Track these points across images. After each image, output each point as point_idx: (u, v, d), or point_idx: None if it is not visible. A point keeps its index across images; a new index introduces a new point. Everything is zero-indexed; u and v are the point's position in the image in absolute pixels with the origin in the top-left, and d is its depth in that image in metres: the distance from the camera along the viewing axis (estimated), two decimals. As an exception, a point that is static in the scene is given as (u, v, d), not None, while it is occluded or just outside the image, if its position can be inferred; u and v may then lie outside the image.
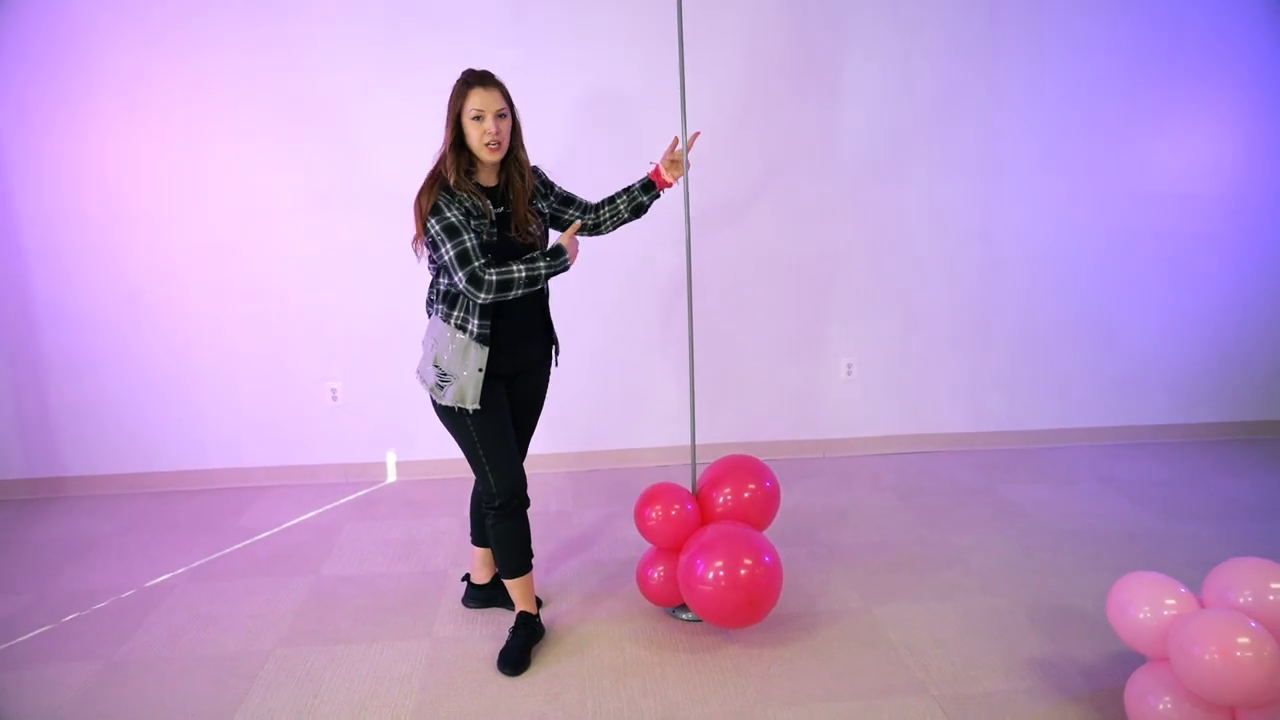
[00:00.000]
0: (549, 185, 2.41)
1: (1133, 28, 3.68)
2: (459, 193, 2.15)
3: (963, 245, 3.86)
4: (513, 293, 2.14)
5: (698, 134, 2.48)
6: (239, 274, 3.56)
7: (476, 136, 2.12)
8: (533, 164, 2.34)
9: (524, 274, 2.14)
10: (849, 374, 3.94)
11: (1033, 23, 3.64)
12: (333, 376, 3.70)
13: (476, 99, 2.10)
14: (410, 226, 2.22)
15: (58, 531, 3.30)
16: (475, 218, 2.15)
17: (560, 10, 3.45)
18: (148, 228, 3.48)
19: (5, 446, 3.59)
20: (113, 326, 3.54)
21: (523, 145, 2.25)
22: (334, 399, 3.71)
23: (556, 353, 2.47)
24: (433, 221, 2.12)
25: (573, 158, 3.47)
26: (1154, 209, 3.87)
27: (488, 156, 2.14)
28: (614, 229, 2.50)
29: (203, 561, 3.02)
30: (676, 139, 2.43)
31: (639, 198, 2.44)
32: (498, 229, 2.20)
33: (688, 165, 2.41)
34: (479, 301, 2.13)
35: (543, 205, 2.35)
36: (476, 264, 2.09)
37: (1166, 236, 3.91)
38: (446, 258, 2.11)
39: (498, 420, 2.27)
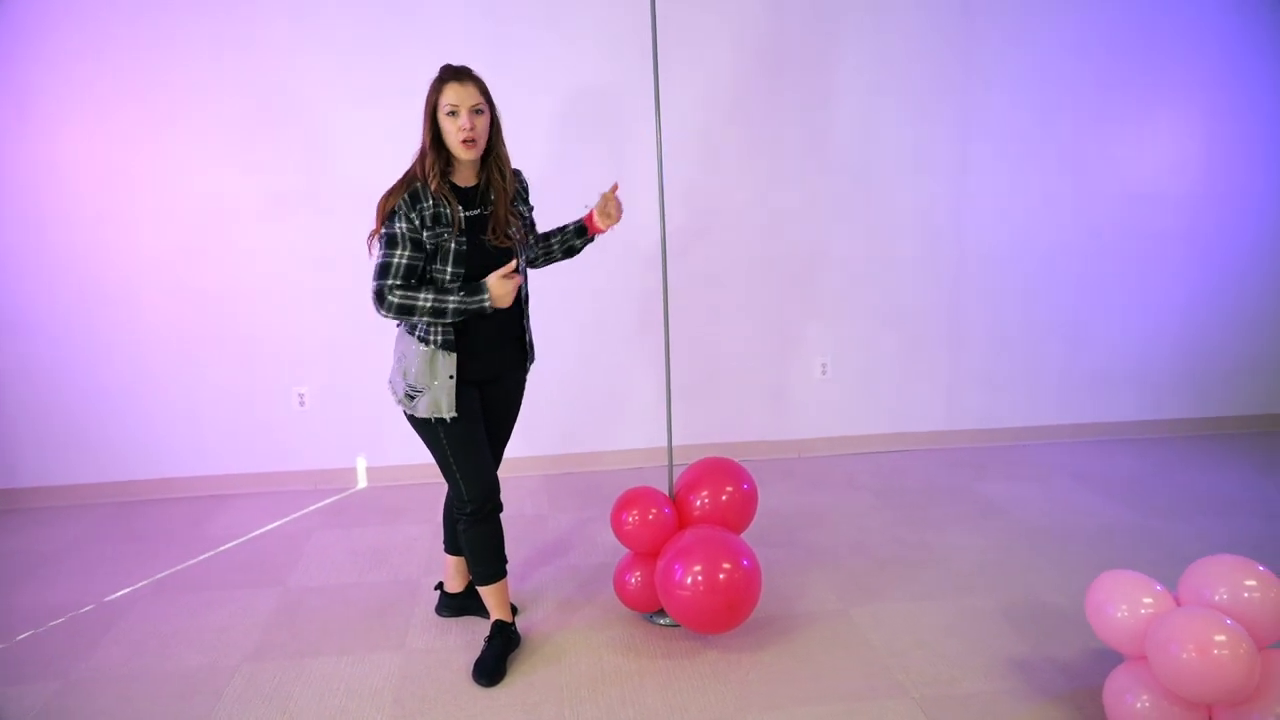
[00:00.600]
0: (528, 191, 2.35)
1: (1107, 26, 3.70)
2: (424, 200, 2.08)
3: (938, 244, 3.86)
4: (415, 318, 2.11)
5: (616, 185, 2.36)
6: (202, 277, 3.46)
7: (452, 133, 2.06)
8: (515, 166, 2.29)
9: (429, 304, 2.08)
10: (824, 373, 3.93)
11: (1009, 23, 3.66)
12: (300, 381, 3.61)
13: (451, 93, 2.05)
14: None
15: (12, 545, 3.19)
16: (440, 225, 2.09)
17: (537, 8, 3.39)
18: (107, 230, 3.37)
19: (-43, 457, 3.46)
20: (71, 331, 3.43)
21: (503, 143, 2.19)
22: (301, 404, 3.63)
23: (530, 359, 2.41)
24: (385, 225, 2.09)
25: (551, 161, 3.43)
26: (1123, 207, 3.91)
27: (464, 154, 2.08)
28: (547, 265, 2.45)
29: (165, 574, 2.93)
30: (615, 185, 2.36)
31: (572, 240, 2.39)
32: (468, 235, 2.13)
33: (619, 212, 2.32)
34: (380, 315, 2.12)
35: (524, 208, 2.29)
36: (388, 281, 2.08)
37: (1136, 234, 3.95)
38: (373, 261, 2.10)
39: (470, 427, 2.22)
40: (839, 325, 3.89)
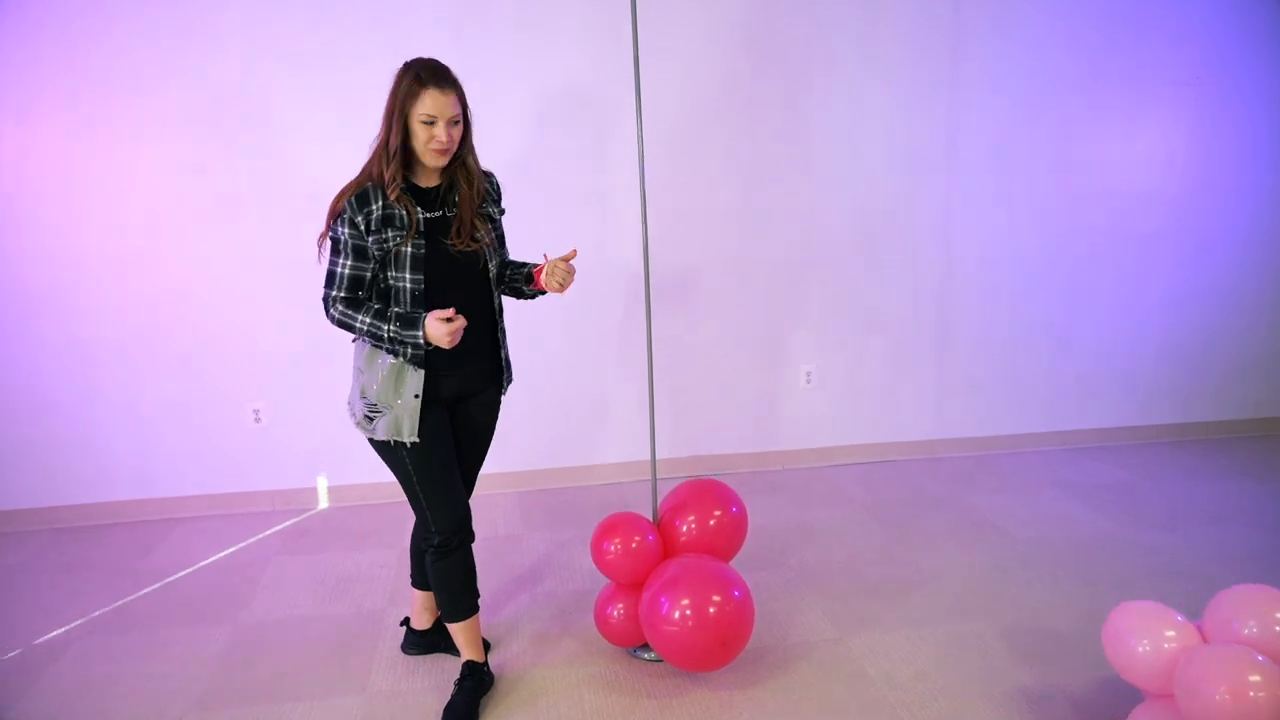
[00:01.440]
0: (500, 193, 2.15)
1: (1094, 26, 3.61)
2: (374, 201, 1.90)
3: (923, 248, 3.74)
4: (353, 336, 2.01)
5: (574, 251, 2.08)
6: (146, 284, 3.21)
7: (423, 141, 1.88)
8: (487, 168, 2.09)
9: (365, 327, 1.94)
10: (808, 382, 3.79)
11: (993, 22, 3.54)
12: (254, 397, 3.38)
13: (430, 103, 1.85)
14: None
15: (-63, 579, 2.93)
16: (392, 229, 1.91)
17: (499, -2, 3.21)
18: (41, 233, 3.11)
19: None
20: (3, 342, 3.16)
21: (473, 150, 2.00)
22: (257, 420, 3.40)
23: (507, 378, 2.20)
24: (331, 228, 1.95)
25: (522, 158, 3.24)
26: (1110, 207, 3.82)
27: (432, 161, 1.92)
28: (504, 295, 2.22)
29: (104, 611, 2.69)
30: (573, 251, 2.08)
31: (520, 284, 2.15)
32: (426, 238, 1.95)
33: (569, 278, 2.04)
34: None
35: (494, 210, 2.09)
36: (332, 292, 1.96)
37: (1119, 236, 3.86)
38: (321, 267, 1.99)
39: (437, 452, 2.03)
40: (823, 331, 3.76)
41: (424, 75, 1.85)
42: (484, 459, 2.27)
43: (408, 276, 1.93)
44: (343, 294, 1.94)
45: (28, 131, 3.03)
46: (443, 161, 1.93)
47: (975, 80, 3.59)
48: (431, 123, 1.86)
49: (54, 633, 2.57)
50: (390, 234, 1.91)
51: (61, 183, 3.09)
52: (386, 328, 1.92)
